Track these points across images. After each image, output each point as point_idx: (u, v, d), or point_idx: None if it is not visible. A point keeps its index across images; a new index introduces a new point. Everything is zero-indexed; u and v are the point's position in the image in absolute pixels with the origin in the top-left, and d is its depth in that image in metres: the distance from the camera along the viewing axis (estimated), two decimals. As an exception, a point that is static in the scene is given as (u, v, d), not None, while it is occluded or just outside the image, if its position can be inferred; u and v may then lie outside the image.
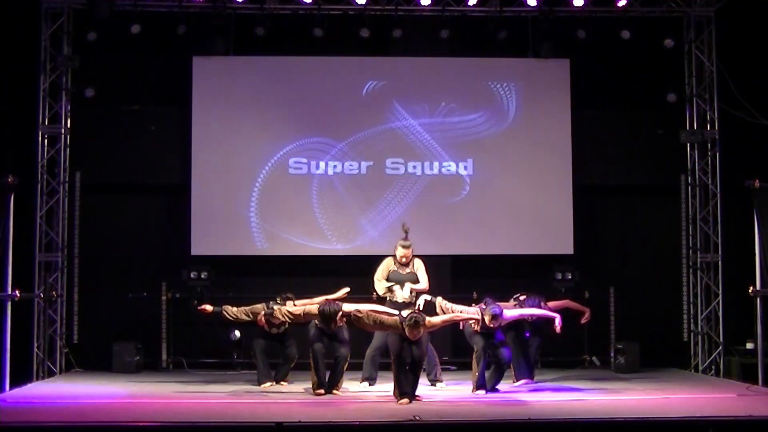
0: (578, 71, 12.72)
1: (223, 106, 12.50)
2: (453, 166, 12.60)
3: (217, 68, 12.49)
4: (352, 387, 10.15)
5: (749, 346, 11.62)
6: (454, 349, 11.99)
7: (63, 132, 12.20)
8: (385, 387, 9.82)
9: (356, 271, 11.12)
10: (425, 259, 10.47)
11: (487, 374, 9.79)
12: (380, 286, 10.34)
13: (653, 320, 12.59)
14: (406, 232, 10.34)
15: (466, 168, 12.60)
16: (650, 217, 12.97)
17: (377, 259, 10.52)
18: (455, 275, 12.48)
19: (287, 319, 9.78)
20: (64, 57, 12.05)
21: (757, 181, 10.73)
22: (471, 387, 9.74)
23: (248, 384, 10.67)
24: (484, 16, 12.51)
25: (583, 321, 10.89)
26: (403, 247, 10.27)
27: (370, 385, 10.18)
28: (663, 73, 12.79)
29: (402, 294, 10.16)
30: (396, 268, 10.27)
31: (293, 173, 12.49)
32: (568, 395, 9.69)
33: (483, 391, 9.63)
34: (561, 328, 9.88)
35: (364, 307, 9.53)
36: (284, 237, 12.43)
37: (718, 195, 12.43)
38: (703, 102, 12.60)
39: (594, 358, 12.48)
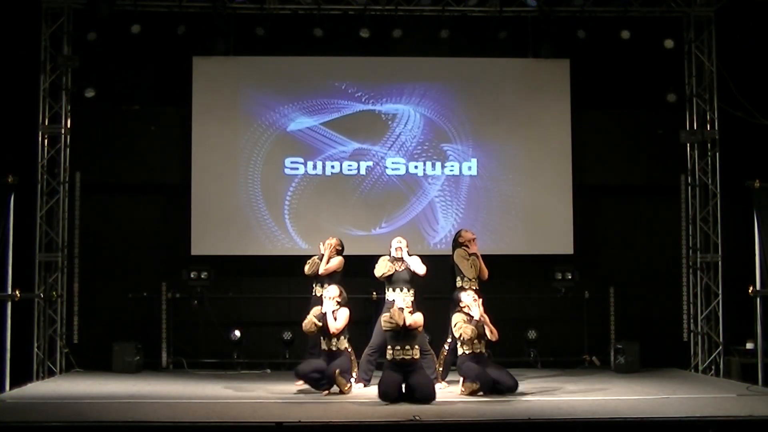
0: (578, 71, 12.73)
1: (223, 106, 12.51)
2: (455, 167, 12.61)
3: (217, 68, 12.50)
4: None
5: (749, 346, 11.62)
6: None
7: (63, 132, 12.20)
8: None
9: (355, 271, 11.11)
10: (426, 259, 10.46)
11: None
12: (383, 265, 10.25)
13: (653, 320, 12.58)
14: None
15: (469, 168, 12.62)
16: (650, 217, 12.96)
17: (375, 259, 10.51)
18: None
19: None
20: (64, 57, 12.05)
21: (757, 181, 10.75)
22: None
23: (248, 384, 10.67)
24: (484, 16, 12.54)
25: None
26: (398, 242, 10.29)
27: (365, 386, 10.16)
28: (663, 73, 12.79)
29: (399, 302, 10.04)
30: (391, 263, 10.25)
31: (290, 173, 12.51)
32: (568, 395, 9.69)
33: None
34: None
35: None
36: (284, 237, 12.44)
37: (718, 195, 12.44)
38: (703, 102, 12.61)
39: (594, 358, 12.47)
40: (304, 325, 9.87)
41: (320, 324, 9.78)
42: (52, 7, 12.18)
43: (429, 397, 9.04)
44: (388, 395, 9.02)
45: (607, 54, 12.73)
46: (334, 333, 9.75)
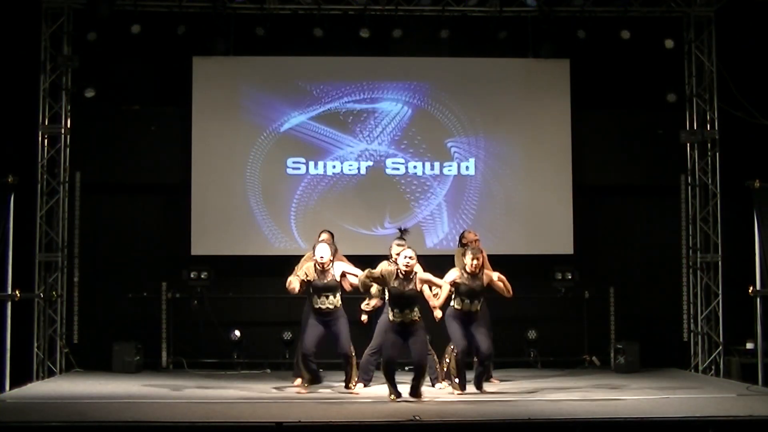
0: (578, 71, 12.73)
1: (223, 106, 12.52)
2: (454, 167, 12.62)
3: (217, 68, 12.50)
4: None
5: (749, 346, 11.62)
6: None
7: (63, 132, 12.20)
8: (381, 387, 9.82)
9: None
10: (425, 259, 10.45)
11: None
12: (365, 307, 10.35)
13: (653, 320, 12.58)
14: (401, 232, 10.31)
15: (468, 168, 12.63)
16: (650, 217, 12.96)
17: (377, 259, 10.49)
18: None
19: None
20: (64, 57, 12.05)
21: (757, 181, 10.75)
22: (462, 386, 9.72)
23: (248, 384, 10.67)
24: (484, 16, 12.54)
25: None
26: (398, 246, 10.25)
27: (365, 386, 10.16)
28: (663, 73, 12.79)
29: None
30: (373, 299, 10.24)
31: (291, 173, 12.52)
32: (568, 395, 9.69)
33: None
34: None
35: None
36: (284, 237, 12.45)
37: (718, 195, 12.44)
38: (703, 102, 12.61)
39: (594, 358, 12.48)
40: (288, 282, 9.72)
41: (302, 284, 9.65)
42: (52, 7, 12.18)
43: (421, 361, 9.25)
44: (391, 358, 9.22)
45: (607, 54, 12.73)
46: (357, 276, 9.54)
